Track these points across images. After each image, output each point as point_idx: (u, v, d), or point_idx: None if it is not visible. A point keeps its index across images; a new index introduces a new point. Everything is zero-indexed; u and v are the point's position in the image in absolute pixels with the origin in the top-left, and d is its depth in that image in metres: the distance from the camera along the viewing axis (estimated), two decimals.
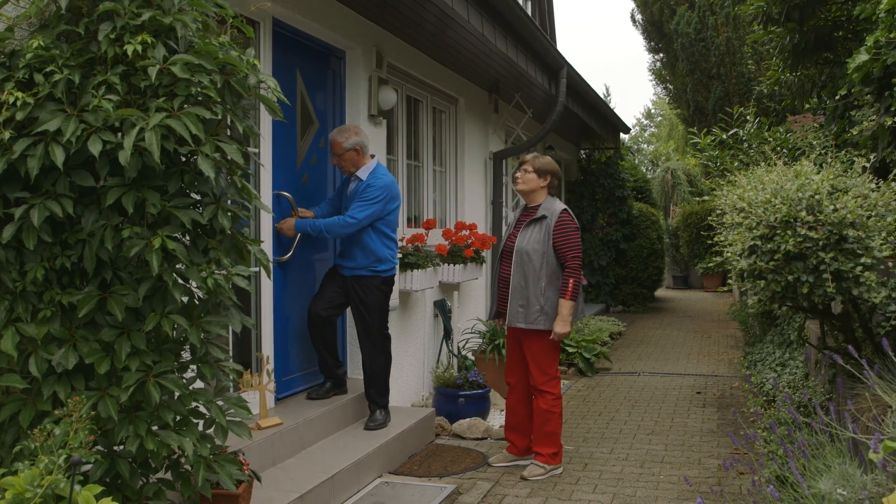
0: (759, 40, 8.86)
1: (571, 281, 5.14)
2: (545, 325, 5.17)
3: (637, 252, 15.34)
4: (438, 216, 8.34)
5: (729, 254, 4.69)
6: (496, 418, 6.80)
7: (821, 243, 4.18)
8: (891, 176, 4.69)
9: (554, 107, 9.64)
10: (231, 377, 3.34)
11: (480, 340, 7.80)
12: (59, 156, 2.78)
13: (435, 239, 7.66)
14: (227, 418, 3.21)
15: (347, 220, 5.33)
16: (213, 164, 2.93)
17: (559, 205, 5.32)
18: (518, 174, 5.36)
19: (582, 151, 16.05)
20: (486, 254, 8.52)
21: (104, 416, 2.89)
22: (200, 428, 3.20)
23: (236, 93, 3.12)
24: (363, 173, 5.52)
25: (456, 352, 7.65)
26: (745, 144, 9.01)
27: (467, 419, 6.33)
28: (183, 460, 3.22)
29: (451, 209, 8.58)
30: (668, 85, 22.51)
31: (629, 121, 41.93)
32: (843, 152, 5.93)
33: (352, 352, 6.24)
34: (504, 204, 9.70)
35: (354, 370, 6.23)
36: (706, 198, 9.62)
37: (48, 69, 2.86)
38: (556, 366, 5.40)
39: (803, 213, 4.24)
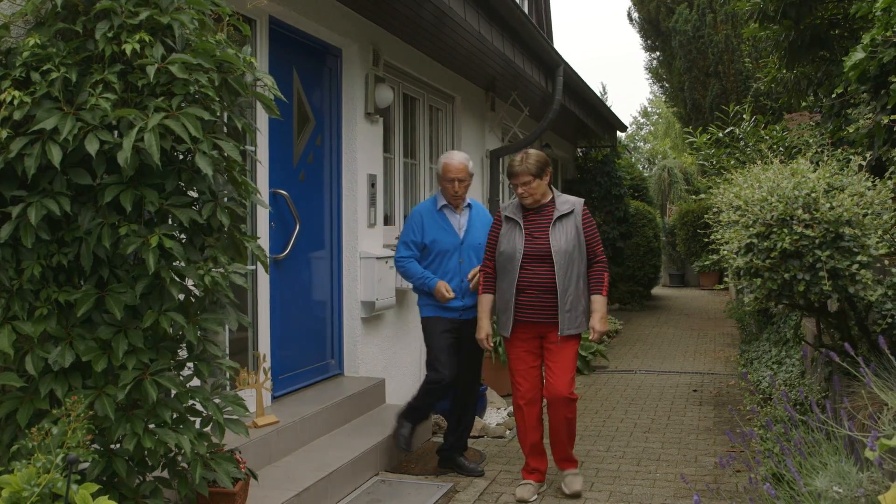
0: (755, 36, 8.86)
1: (606, 276, 4.90)
2: (586, 326, 4.87)
3: (634, 250, 15.35)
4: None
5: (725, 252, 4.70)
6: (493, 416, 6.80)
7: (817, 241, 4.19)
8: (887, 174, 4.69)
9: (551, 105, 9.64)
10: (227, 375, 3.34)
11: None
12: (56, 155, 2.78)
13: None
14: (224, 416, 3.21)
15: None
16: (210, 161, 2.93)
17: (573, 197, 4.98)
18: (520, 190, 4.82)
19: (578, 149, 16.05)
20: None
21: (101, 415, 2.89)
22: (198, 426, 3.20)
23: (233, 90, 3.12)
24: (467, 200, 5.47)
25: None
26: (742, 143, 9.01)
27: None
28: (180, 458, 3.22)
29: None
30: (664, 83, 22.52)
31: (626, 119, 41.94)
32: (840, 150, 5.94)
33: (349, 350, 6.24)
34: (501, 202, 9.70)
35: (351, 369, 6.23)
36: (703, 196, 9.62)
37: (45, 67, 2.86)
38: None
39: (800, 211, 4.24)
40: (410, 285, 6.67)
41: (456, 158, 5.31)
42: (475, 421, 6.25)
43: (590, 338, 4.87)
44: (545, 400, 4.89)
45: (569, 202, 4.89)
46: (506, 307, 4.85)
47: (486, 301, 5.00)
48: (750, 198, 4.52)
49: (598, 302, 4.85)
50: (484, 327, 4.99)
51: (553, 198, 4.92)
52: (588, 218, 4.89)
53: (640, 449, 5.94)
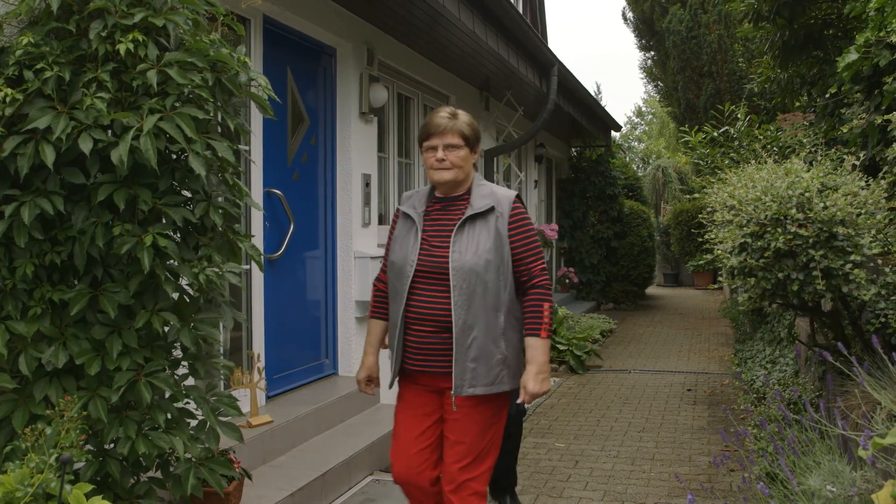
0: (749, 37, 8.89)
1: (547, 307, 3.22)
2: (511, 383, 3.24)
3: (628, 250, 15.37)
4: None
5: (719, 251, 4.70)
6: None
7: (811, 241, 4.19)
8: (880, 174, 4.70)
9: (545, 105, 9.66)
10: (222, 374, 3.33)
11: None
12: (49, 155, 2.77)
13: None
14: (219, 418, 3.20)
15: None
16: (204, 161, 2.92)
17: (502, 188, 3.37)
18: (440, 154, 3.23)
19: (573, 149, 16.08)
20: None
21: (94, 417, 2.88)
22: (192, 429, 3.19)
23: (227, 90, 3.11)
24: None
25: None
26: (736, 142, 9.03)
27: None
28: (173, 460, 3.21)
29: None
30: (658, 83, 22.55)
31: (620, 118, 41.99)
32: (833, 150, 5.94)
33: (343, 349, 6.24)
34: None
35: (345, 368, 6.23)
36: (697, 195, 9.63)
37: (38, 66, 2.85)
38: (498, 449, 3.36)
39: (793, 211, 4.25)
40: None
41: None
42: None
43: (519, 399, 3.21)
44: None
45: (492, 196, 3.26)
46: (392, 347, 3.32)
47: (374, 329, 3.49)
48: (744, 197, 4.53)
49: (535, 348, 3.20)
50: (366, 364, 3.47)
51: (471, 187, 3.33)
52: (521, 220, 3.26)
53: (635, 448, 5.95)
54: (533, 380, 3.17)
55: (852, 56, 5.22)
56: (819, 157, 5.14)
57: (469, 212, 3.21)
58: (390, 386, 3.37)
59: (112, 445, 3.02)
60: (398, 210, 3.42)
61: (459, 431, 3.21)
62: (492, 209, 3.22)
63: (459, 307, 3.11)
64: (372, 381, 3.49)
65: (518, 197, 3.32)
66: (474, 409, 3.20)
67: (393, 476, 3.33)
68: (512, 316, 3.23)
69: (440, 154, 3.22)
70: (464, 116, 3.31)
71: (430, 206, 3.34)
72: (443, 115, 3.28)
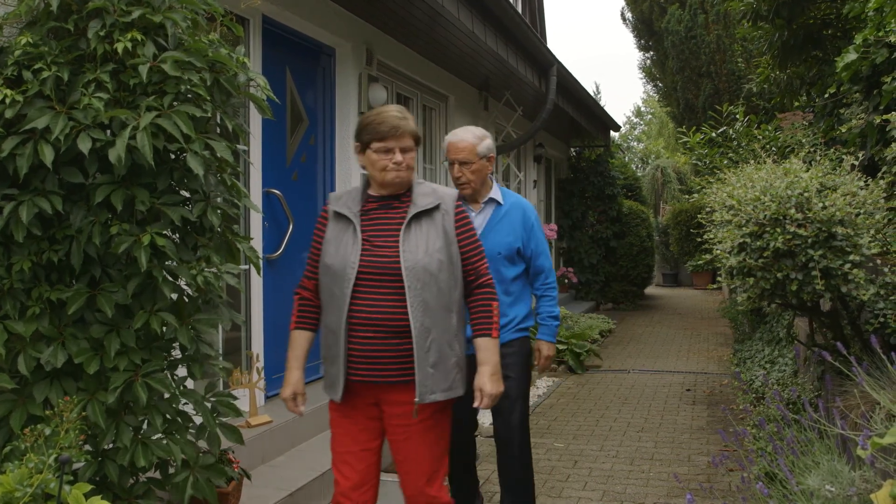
0: (747, 37, 8.89)
1: (495, 306, 3.12)
2: (463, 387, 3.11)
3: (627, 250, 15.38)
4: None
5: (718, 251, 4.70)
6: (486, 415, 6.79)
7: (810, 241, 4.20)
8: (879, 173, 4.71)
9: (544, 105, 9.66)
10: (221, 374, 3.33)
11: None
12: (48, 155, 2.76)
13: None
14: (219, 419, 3.20)
15: (551, 285, 4.09)
16: (202, 161, 2.92)
17: (443, 186, 3.24)
18: (398, 157, 3.05)
19: (572, 149, 16.08)
20: None
21: (92, 421, 2.88)
22: (192, 427, 3.18)
23: (226, 91, 3.11)
24: (497, 194, 4.05)
25: None
26: (735, 142, 9.03)
27: None
28: (171, 461, 3.21)
29: None
30: (657, 83, 22.56)
31: (619, 118, 42.01)
32: (832, 150, 5.94)
33: None
34: None
35: None
36: (696, 195, 9.64)
37: (37, 66, 2.84)
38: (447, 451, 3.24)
39: (792, 211, 4.25)
40: None
41: (458, 135, 3.97)
42: None
43: (475, 404, 3.10)
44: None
45: (434, 194, 3.13)
46: (334, 356, 3.06)
47: (298, 342, 3.27)
48: (743, 197, 4.53)
49: (487, 349, 3.08)
50: (291, 381, 3.20)
51: (411, 186, 3.17)
52: (465, 218, 3.16)
53: (634, 448, 5.95)
54: (489, 381, 3.05)
55: (851, 56, 5.23)
56: (818, 157, 5.14)
57: (413, 210, 3.06)
58: (340, 399, 3.08)
59: (111, 445, 3.02)
60: (326, 210, 3.19)
61: (413, 448, 3.09)
62: (437, 207, 3.08)
63: (416, 309, 2.94)
64: (298, 397, 3.22)
65: (460, 195, 3.25)
66: (425, 421, 3.06)
67: (336, 495, 3.15)
68: (461, 317, 3.09)
69: (398, 157, 3.05)
70: (410, 115, 3.16)
71: (366, 205, 3.14)
72: (395, 115, 3.10)
